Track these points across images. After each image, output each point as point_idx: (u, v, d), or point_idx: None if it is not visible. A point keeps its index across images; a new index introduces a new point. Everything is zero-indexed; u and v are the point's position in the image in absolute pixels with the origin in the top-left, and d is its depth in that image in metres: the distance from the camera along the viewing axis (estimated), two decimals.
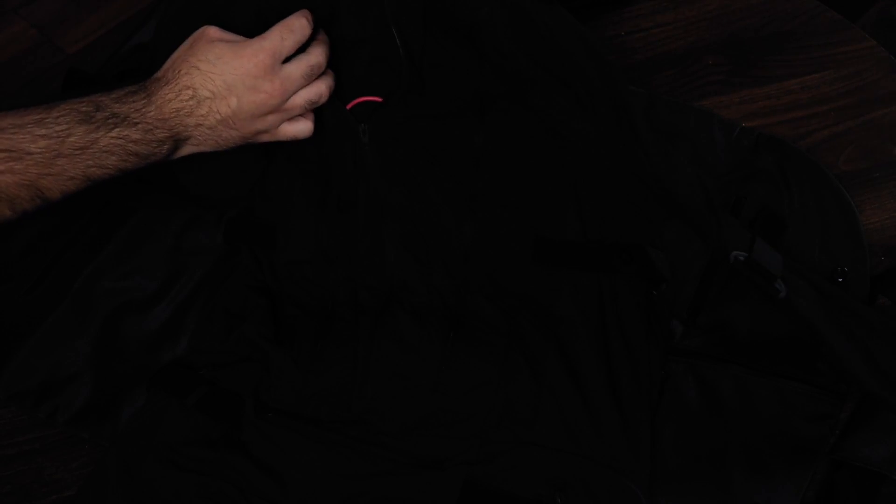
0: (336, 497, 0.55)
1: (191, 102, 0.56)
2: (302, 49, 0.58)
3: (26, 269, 0.66)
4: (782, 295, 0.53)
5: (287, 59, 0.57)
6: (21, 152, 0.51)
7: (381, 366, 0.59)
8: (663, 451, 0.55)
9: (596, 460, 0.53)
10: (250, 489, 0.55)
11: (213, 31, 0.58)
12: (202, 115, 0.57)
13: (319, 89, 0.59)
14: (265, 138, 0.61)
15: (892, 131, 0.66)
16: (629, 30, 0.73)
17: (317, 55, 0.58)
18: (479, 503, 0.53)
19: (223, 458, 0.57)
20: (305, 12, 0.58)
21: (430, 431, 0.56)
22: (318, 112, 0.62)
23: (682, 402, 0.57)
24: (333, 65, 0.61)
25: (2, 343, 0.64)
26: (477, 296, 0.59)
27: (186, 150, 0.59)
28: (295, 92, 0.58)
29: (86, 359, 0.63)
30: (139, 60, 0.73)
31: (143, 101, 0.55)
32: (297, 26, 0.57)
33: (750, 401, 0.56)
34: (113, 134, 0.54)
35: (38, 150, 0.52)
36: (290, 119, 0.60)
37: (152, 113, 0.55)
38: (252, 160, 0.65)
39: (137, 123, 0.55)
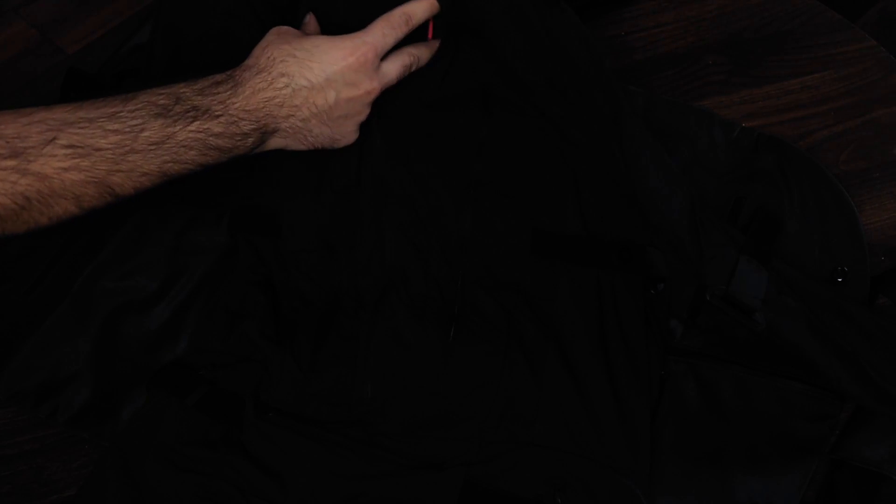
0: (336, 497, 0.55)
1: (285, 91, 0.53)
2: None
3: (26, 269, 0.66)
4: (761, 328, 0.53)
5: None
6: (89, 148, 0.48)
7: (381, 366, 0.59)
8: (663, 451, 0.55)
9: (596, 460, 0.53)
10: (250, 489, 0.55)
11: (290, 28, 0.56)
12: (295, 106, 0.54)
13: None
14: (342, 144, 0.59)
15: (892, 131, 0.66)
16: (629, 30, 0.73)
17: (413, 54, 0.57)
18: (479, 503, 0.53)
19: (223, 458, 0.57)
20: (409, 7, 0.56)
21: (430, 433, 0.56)
22: None
23: (682, 402, 0.57)
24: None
25: (2, 343, 0.64)
26: (475, 288, 0.59)
27: (273, 143, 0.56)
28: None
29: (86, 359, 0.63)
30: (139, 60, 0.73)
31: (229, 92, 0.52)
32: (397, 22, 0.55)
33: (750, 401, 0.56)
34: (192, 128, 0.50)
35: (109, 146, 0.48)
36: None
37: (238, 104, 0.52)
38: None
39: (219, 116, 0.51)
